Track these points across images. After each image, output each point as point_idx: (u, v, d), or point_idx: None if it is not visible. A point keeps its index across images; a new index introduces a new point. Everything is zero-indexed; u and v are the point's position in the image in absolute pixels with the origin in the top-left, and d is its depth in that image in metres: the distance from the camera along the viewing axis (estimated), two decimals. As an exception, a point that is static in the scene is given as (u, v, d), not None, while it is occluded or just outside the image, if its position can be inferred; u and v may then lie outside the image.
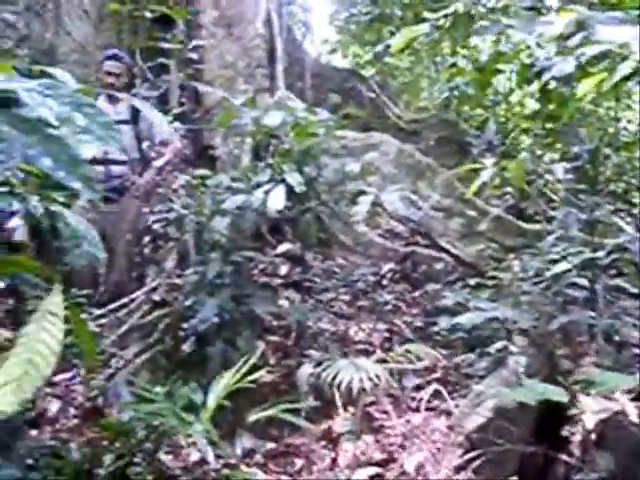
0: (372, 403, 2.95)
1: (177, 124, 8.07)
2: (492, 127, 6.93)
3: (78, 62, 5.99)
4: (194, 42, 6.81)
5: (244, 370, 2.28)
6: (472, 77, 3.90)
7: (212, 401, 2.23)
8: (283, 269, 5.02)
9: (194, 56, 6.98)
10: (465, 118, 8.46)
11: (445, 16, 3.37)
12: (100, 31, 6.31)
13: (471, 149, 7.21)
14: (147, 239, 4.83)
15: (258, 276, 4.88)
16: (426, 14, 3.30)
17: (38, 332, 1.24)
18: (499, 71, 3.23)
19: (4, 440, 2.15)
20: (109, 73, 4.51)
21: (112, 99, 4.47)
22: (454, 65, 8.09)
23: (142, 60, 7.08)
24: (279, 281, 4.85)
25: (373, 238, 5.00)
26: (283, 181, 3.40)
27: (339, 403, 2.88)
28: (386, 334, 3.86)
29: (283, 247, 5.09)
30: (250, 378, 2.25)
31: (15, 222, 2.38)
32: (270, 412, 2.31)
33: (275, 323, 4.05)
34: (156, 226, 4.61)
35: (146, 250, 4.82)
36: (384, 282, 4.58)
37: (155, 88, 6.35)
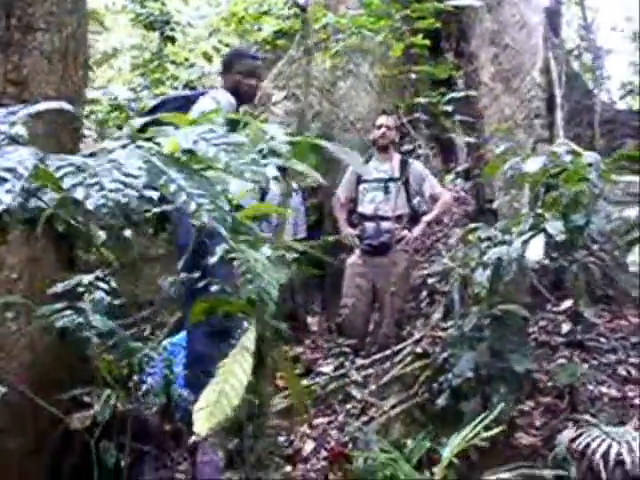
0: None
1: (459, 180, 8.15)
2: None
3: (361, 129, 6.46)
4: (474, 97, 6.92)
5: (479, 427, 2.16)
6: None
7: (445, 457, 2.16)
8: (565, 327, 4.70)
9: (475, 112, 7.06)
10: None
11: None
12: (382, 99, 6.73)
13: None
14: (416, 292, 4.91)
15: (538, 333, 4.65)
16: None
17: (232, 365, 1.34)
18: None
19: (253, 474, 2.32)
20: (380, 126, 4.76)
21: (382, 157, 4.71)
22: None
23: (423, 121, 7.36)
24: (560, 340, 4.55)
25: (666, 293, 4.41)
26: (544, 230, 3.21)
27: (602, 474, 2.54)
28: (683, 406, 3.34)
29: (566, 304, 4.79)
30: (485, 435, 2.12)
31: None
32: (505, 475, 2.14)
33: (550, 384, 3.81)
34: (429, 280, 4.67)
35: (415, 303, 4.90)
36: (686, 346, 4.00)
37: (430, 146, 6.53)
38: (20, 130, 1.03)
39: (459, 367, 3.16)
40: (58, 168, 0.92)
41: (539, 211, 3.78)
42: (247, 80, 3.54)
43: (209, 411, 1.31)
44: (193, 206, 0.97)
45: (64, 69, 2.53)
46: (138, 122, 1.28)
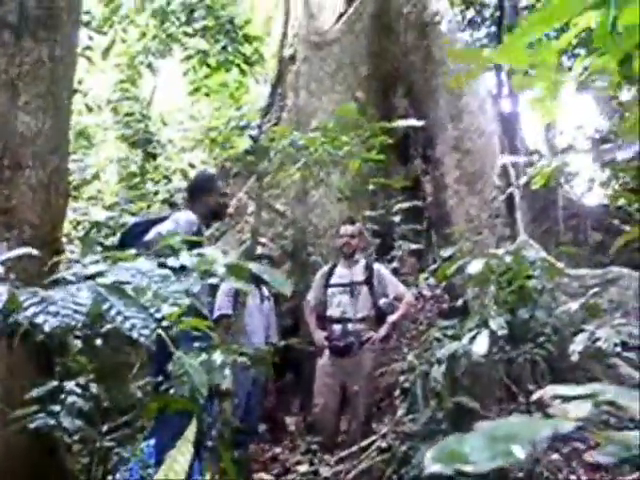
0: None
1: (431, 279, 8.45)
2: None
3: (334, 235, 6.82)
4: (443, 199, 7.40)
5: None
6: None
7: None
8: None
9: (443, 213, 7.53)
10: None
11: None
12: (352, 207, 7.14)
13: None
14: (390, 389, 5.10)
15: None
16: None
17: (177, 453, 1.59)
18: None
19: None
20: (342, 235, 5.09)
21: (347, 263, 5.02)
22: None
23: (397, 225, 7.74)
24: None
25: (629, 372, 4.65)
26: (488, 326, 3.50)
27: None
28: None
29: (538, 393, 4.98)
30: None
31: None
32: None
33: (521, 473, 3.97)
34: (401, 378, 4.87)
35: (388, 400, 5.09)
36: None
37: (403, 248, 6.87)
38: (-2, 270, 1.33)
39: (417, 459, 3.35)
40: (25, 300, 1.22)
41: (489, 308, 4.09)
42: (223, 199, 3.99)
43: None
44: (128, 325, 1.26)
45: (47, 199, 2.89)
46: (88, 260, 1.58)
